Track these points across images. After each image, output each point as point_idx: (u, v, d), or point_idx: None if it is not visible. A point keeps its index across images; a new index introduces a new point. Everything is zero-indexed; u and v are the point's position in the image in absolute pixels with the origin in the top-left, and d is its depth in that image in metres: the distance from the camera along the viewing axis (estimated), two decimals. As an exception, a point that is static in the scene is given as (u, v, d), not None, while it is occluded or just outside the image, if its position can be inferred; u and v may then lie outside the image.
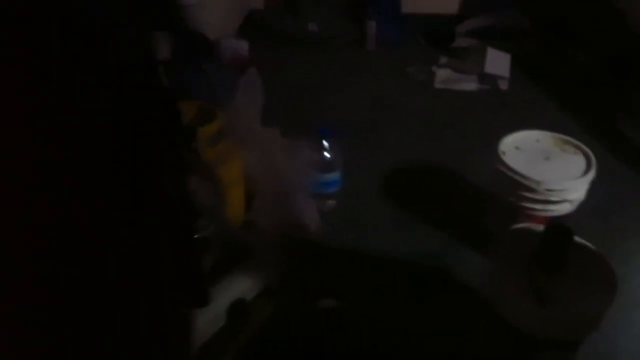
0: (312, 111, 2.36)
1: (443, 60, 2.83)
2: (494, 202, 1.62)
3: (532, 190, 1.44)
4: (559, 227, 1.06)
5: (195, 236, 1.07)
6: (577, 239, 1.10)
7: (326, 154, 1.91)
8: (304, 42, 3.01)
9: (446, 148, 2.14)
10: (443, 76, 2.73)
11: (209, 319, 1.05)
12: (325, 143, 1.89)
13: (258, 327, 1.11)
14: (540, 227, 1.15)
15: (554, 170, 1.48)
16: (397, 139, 2.23)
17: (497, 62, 2.67)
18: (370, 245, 1.69)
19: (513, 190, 1.49)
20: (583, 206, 1.50)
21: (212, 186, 1.60)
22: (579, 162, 1.51)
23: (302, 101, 2.43)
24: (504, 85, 2.61)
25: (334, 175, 1.92)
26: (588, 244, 1.13)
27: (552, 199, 1.44)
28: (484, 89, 2.62)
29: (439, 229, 1.73)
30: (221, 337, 1.06)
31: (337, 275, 1.56)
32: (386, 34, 2.95)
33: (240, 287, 1.12)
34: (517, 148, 1.56)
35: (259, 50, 2.76)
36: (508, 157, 1.51)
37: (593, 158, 1.50)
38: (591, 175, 1.46)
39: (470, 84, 2.65)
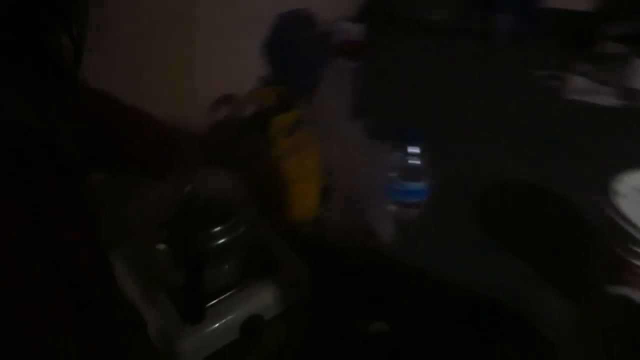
0: (411, 110, 2.17)
1: (580, 66, 2.47)
2: (598, 248, 1.35)
3: (646, 249, 1.17)
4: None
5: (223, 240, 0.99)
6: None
7: (413, 160, 1.74)
8: (426, 31, 2.80)
9: (557, 172, 1.85)
10: (577, 85, 2.38)
11: (219, 331, 0.97)
12: (413, 148, 1.73)
13: (275, 348, 1.01)
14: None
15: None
16: (502, 152, 1.98)
17: (645, 76, 2.27)
18: (443, 266, 1.50)
19: (623, 241, 1.22)
20: None
21: (276, 180, 1.52)
22: None
23: (404, 97, 2.26)
24: (648, 106, 2.21)
25: (420, 185, 1.75)
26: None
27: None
28: (623, 107, 2.24)
29: (526, 263, 1.50)
30: (231, 353, 0.97)
31: (395, 294, 1.41)
32: (517, 29, 2.64)
33: (259, 301, 1.02)
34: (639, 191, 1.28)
35: (377, 35, 2.61)
36: (625, 201, 1.24)
37: None
38: None
39: (607, 98, 2.28)
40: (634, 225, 1.18)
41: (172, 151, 0.98)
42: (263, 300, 1.01)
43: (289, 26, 2.11)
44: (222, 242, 0.97)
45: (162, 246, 0.97)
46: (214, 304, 0.97)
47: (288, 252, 1.13)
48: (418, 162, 1.74)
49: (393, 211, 1.76)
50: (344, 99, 1.72)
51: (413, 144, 1.72)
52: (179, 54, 1.69)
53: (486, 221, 1.69)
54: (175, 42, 1.67)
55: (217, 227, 0.97)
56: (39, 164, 0.50)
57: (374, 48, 2.58)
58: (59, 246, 0.51)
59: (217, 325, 0.96)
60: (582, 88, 2.36)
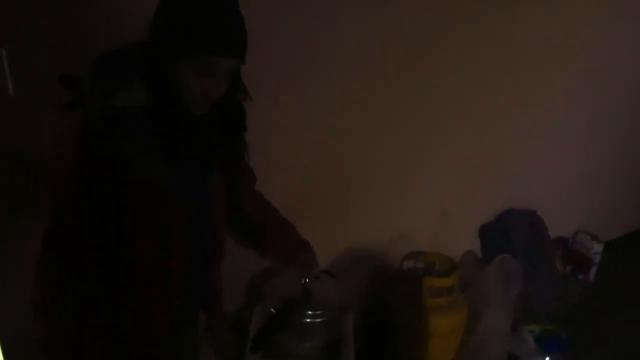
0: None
1: None
2: None
3: None
4: None
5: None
6: None
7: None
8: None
9: None
10: None
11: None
12: (548, 359, 1.76)
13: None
14: None
15: None
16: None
17: None
18: None
19: None
20: None
21: (421, 330, 1.78)
22: None
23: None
24: None
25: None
26: None
27: None
28: None
29: None
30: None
31: None
32: None
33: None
34: None
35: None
36: None
37: None
38: None
39: None
40: None
41: (300, 252, 1.45)
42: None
43: (511, 221, 2.38)
44: (308, 322, 1.38)
45: (272, 310, 1.44)
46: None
47: (350, 356, 1.41)
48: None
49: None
50: (509, 290, 1.89)
51: (547, 353, 1.75)
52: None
53: None
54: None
55: (309, 310, 1.39)
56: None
57: (606, 272, 2.56)
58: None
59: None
60: None
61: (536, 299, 2.27)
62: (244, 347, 1.42)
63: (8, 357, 1.44)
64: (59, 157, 0.88)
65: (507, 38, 2.07)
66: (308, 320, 1.40)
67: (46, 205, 0.89)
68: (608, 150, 2.71)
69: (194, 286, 1.13)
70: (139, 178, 0.92)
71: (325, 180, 1.85)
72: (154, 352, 1.06)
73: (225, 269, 1.30)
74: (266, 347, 1.38)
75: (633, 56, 2.56)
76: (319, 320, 1.41)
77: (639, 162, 2.91)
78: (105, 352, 0.97)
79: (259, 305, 1.59)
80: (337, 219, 1.93)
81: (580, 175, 2.65)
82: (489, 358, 1.75)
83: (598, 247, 2.59)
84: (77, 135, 0.89)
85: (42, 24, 1.18)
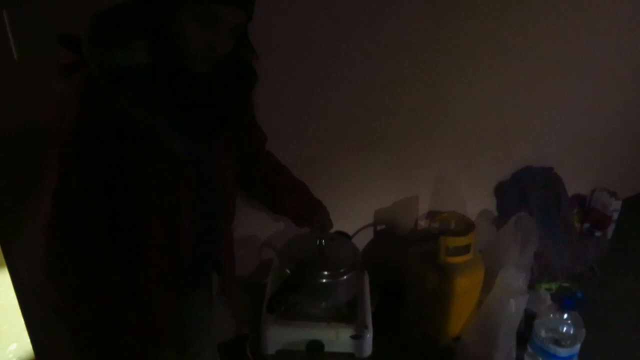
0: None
1: None
2: None
3: None
4: None
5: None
6: None
7: (565, 326, 1.76)
8: None
9: None
10: None
11: (290, 334, 1.36)
12: (566, 316, 1.75)
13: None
14: None
15: None
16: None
17: None
18: None
19: None
20: None
21: (435, 291, 1.78)
22: None
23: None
24: None
25: (567, 351, 1.75)
26: None
27: None
28: None
29: None
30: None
31: None
32: None
33: (325, 333, 1.36)
34: None
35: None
36: None
37: None
38: None
39: None
40: None
41: (314, 214, 1.43)
42: (328, 334, 1.35)
43: (528, 179, 2.34)
44: (323, 282, 1.38)
45: (287, 271, 1.43)
46: (299, 321, 1.39)
47: (367, 315, 1.42)
48: (568, 330, 1.76)
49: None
50: (525, 249, 1.87)
51: (567, 311, 1.74)
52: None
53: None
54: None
55: (325, 271, 1.38)
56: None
57: (625, 230, 2.53)
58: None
59: (289, 328, 1.37)
60: None
61: (553, 258, 2.25)
62: (259, 308, 1.43)
63: (29, 321, 1.49)
64: (62, 119, 0.85)
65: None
66: (323, 280, 1.40)
67: (53, 169, 0.87)
68: (627, 106, 2.63)
69: (205, 248, 1.11)
70: (143, 139, 0.89)
71: (338, 142, 1.82)
72: (168, 316, 1.06)
73: (239, 232, 1.29)
74: (282, 307, 1.38)
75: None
76: (334, 280, 1.41)
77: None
78: (120, 317, 0.96)
79: (274, 266, 1.59)
80: (352, 180, 1.91)
81: (599, 131, 2.59)
82: (505, 317, 1.74)
83: (616, 205, 2.54)
84: (79, 97, 0.86)
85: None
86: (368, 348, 1.37)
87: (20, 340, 1.90)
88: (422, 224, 2.16)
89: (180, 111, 0.94)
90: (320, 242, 1.44)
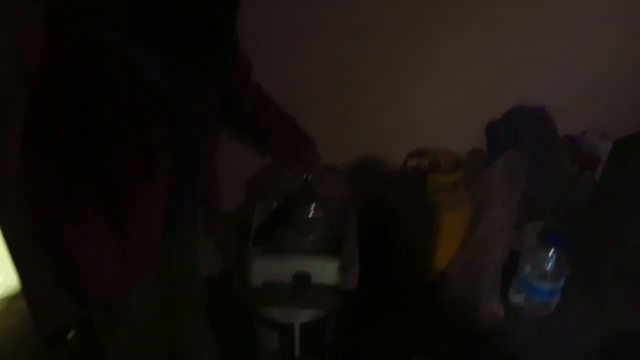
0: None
1: None
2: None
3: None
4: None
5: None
6: None
7: (550, 263, 1.78)
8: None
9: None
10: None
11: (277, 267, 1.36)
12: (552, 251, 1.77)
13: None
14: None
15: None
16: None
17: None
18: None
19: None
20: None
21: (423, 228, 1.79)
22: None
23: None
24: None
25: (552, 286, 1.79)
26: None
27: None
28: None
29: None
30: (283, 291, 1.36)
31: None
32: None
33: (312, 265, 1.35)
34: None
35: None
36: None
37: None
38: None
39: None
40: None
41: (301, 148, 1.40)
42: (316, 266, 1.35)
43: (519, 118, 2.30)
44: (309, 217, 1.37)
45: (275, 204, 1.41)
46: (286, 254, 1.38)
47: (354, 248, 1.41)
48: (552, 265, 1.78)
49: (521, 304, 1.83)
50: (513, 188, 1.86)
51: (553, 247, 1.76)
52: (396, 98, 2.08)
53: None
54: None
55: (312, 203, 1.37)
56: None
57: (613, 171, 2.54)
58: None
59: (276, 259, 1.36)
60: None
61: (540, 197, 2.26)
62: (245, 243, 1.41)
63: (15, 254, 1.47)
64: (25, 55, 0.79)
65: None
66: (311, 215, 1.38)
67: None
68: (620, 47, 2.58)
69: (186, 181, 1.08)
70: (119, 68, 0.83)
71: (328, 77, 1.76)
72: (150, 249, 1.04)
73: (224, 166, 1.25)
74: (268, 241, 1.37)
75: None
76: (321, 214, 1.39)
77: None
78: (98, 248, 0.94)
79: (260, 201, 1.57)
80: (341, 116, 1.87)
81: (591, 72, 2.54)
82: (490, 254, 1.75)
83: (606, 146, 2.53)
84: (47, 26, 0.79)
85: None
86: (354, 280, 1.37)
87: (6, 273, 1.89)
88: (412, 161, 2.14)
89: (158, 36, 0.87)
90: (308, 176, 1.42)
